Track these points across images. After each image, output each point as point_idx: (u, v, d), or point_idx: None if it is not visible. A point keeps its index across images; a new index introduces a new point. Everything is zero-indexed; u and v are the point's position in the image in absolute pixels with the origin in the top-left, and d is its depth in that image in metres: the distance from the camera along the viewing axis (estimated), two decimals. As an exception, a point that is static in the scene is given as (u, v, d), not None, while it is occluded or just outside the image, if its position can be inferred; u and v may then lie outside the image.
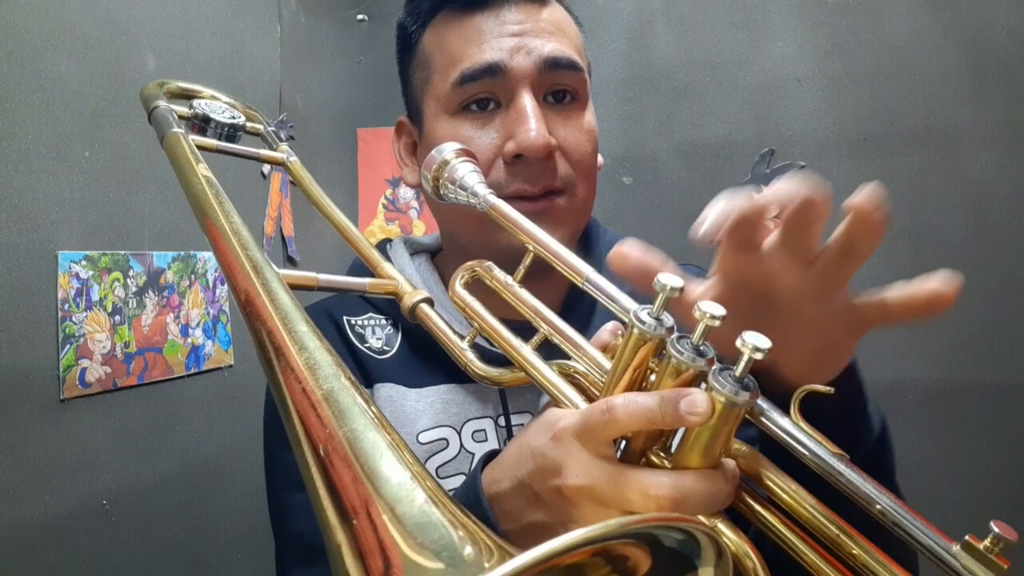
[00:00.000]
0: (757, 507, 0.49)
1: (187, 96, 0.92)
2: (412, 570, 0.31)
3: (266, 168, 2.29)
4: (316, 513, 0.37)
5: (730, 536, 0.46)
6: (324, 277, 0.64)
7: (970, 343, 2.22)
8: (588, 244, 0.94)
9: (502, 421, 0.83)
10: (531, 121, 0.78)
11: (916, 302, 0.51)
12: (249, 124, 0.91)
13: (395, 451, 0.38)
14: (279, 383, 0.44)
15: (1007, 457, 2.18)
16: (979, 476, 2.17)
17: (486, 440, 0.83)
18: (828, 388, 0.49)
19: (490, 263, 0.68)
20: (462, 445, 0.82)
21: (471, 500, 0.58)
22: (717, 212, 0.50)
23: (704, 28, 2.45)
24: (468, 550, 0.31)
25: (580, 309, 0.88)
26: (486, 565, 0.27)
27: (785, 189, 0.49)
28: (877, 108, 2.31)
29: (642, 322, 0.49)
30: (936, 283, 0.50)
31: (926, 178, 2.27)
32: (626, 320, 0.52)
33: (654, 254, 0.56)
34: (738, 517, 0.49)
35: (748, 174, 2.41)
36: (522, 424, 0.83)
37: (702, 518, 0.46)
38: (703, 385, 0.47)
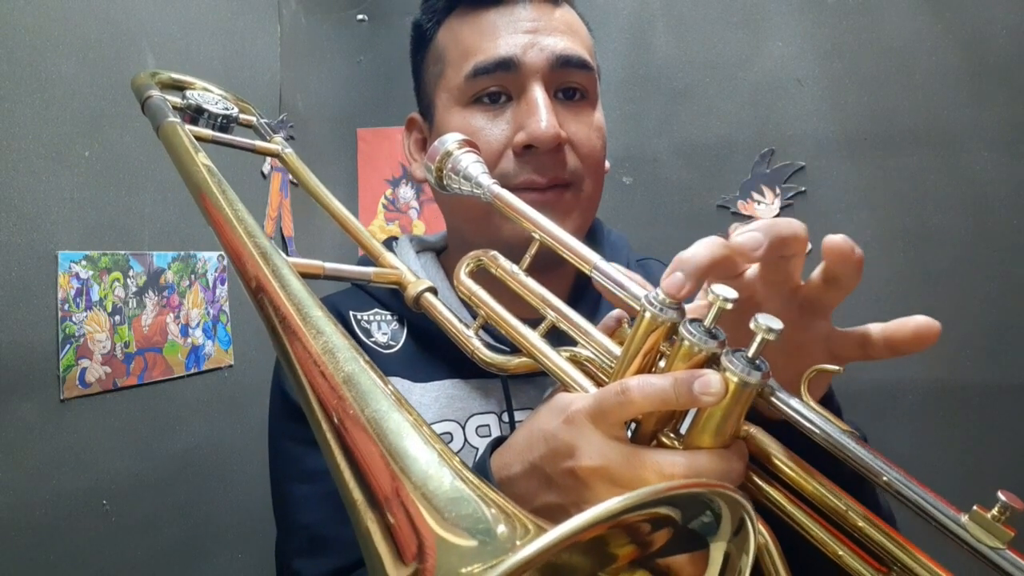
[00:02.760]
0: (763, 485, 0.50)
1: (179, 87, 0.91)
2: (445, 548, 0.31)
3: (266, 168, 2.29)
4: (343, 496, 0.37)
5: None
6: (330, 265, 0.64)
7: (970, 343, 2.22)
8: (593, 242, 0.94)
9: (506, 417, 0.83)
10: (542, 112, 0.79)
11: (897, 339, 0.52)
12: (242, 116, 0.90)
13: (419, 430, 0.38)
14: (296, 369, 0.44)
15: (1007, 457, 2.18)
16: (978, 476, 2.17)
17: (490, 435, 0.83)
18: (838, 368, 0.49)
19: (495, 252, 0.68)
20: (466, 440, 0.83)
21: None
22: (684, 262, 0.51)
23: (704, 28, 2.46)
24: (502, 527, 0.31)
25: (587, 300, 0.89)
26: (518, 542, 0.26)
27: (754, 235, 0.50)
28: (877, 108, 2.32)
29: (654, 306, 0.49)
30: (918, 321, 0.52)
31: (926, 178, 2.28)
32: (636, 306, 0.52)
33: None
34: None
35: (748, 174, 2.41)
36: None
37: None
38: (715, 367, 0.47)
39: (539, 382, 0.83)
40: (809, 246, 0.53)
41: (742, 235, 0.50)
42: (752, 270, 0.56)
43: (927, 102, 2.28)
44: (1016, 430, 2.18)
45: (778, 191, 2.38)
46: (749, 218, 2.40)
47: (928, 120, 2.28)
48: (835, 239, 0.50)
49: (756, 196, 2.40)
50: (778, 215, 2.38)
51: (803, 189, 2.36)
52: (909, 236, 2.28)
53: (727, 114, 2.44)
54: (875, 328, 0.53)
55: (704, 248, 0.51)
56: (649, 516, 0.34)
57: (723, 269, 0.54)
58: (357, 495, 0.36)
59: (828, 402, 0.62)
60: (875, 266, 2.23)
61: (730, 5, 2.44)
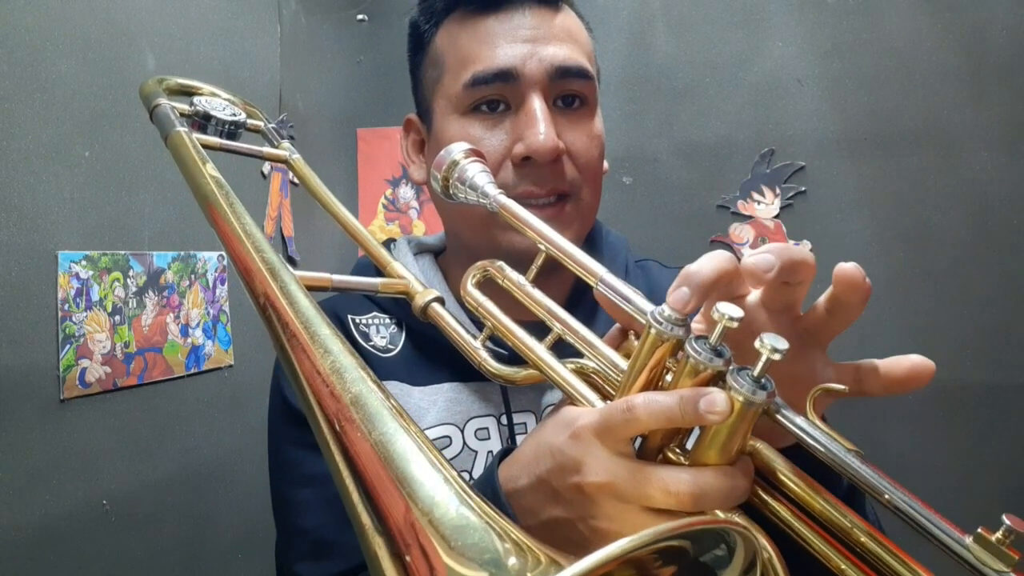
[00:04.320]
0: (769, 500, 0.50)
1: (186, 92, 0.91)
2: None
3: (266, 168, 2.29)
4: (351, 519, 0.37)
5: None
6: (337, 278, 0.64)
7: (970, 343, 2.22)
8: (591, 244, 0.94)
9: (504, 420, 0.84)
10: (540, 124, 0.78)
11: (893, 376, 0.52)
12: (250, 121, 0.89)
13: (426, 453, 0.38)
14: (304, 388, 0.44)
15: (1007, 457, 2.19)
16: (978, 476, 2.18)
17: (488, 438, 0.83)
18: (843, 387, 0.49)
19: (501, 263, 0.68)
20: (465, 443, 0.83)
21: (488, 496, 0.58)
22: (690, 277, 0.51)
23: (704, 28, 2.46)
24: (512, 559, 0.31)
25: (584, 305, 0.89)
26: (528, 575, 0.26)
27: (766, 257, 0.50)
28: (877, 108, 2.32)
29: (660, 323, 0.49)
30: (913, 360, 0.51)
31: (926, 178, 2.28)
32: (643, 321, 0.52)
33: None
34: (749, 509, 0.50)
35: (748, 174, 2.41)
36: (524, 423, 0.84)
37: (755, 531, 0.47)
38: (721, 385, 0.47)
39: (538, 385, 0.83)
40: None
41: (754, 256, 0.50)
42: (754, 295, 0.56)
43: (927, 102, 2.29)
44: (1016, 430, 2.19)
45: (778, 191, 2.38)
46: (749, 218, 2.41)
47: (928, 120, 2.28)
48: (847, 267, 0.50)
49: (756, 196, 2.40)
50: (778, 215, 2.38)
51: (803, 189, 2.37)
52: (909, 236, 2.28)
53: (727, 114, 2.44)
54: (870, 364, 0.53)
55: (711, 263, 0.51)
56: (662, 548, 0.34)
57: (729, 287, 0.53)
58: (365, 519, 0.36)
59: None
60: (875, 266, 2.23)
61: (730, 5, 2.44)
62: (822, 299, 0.53)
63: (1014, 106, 2.22)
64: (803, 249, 0.51)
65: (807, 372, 0.55)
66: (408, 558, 0.32)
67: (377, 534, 0.34)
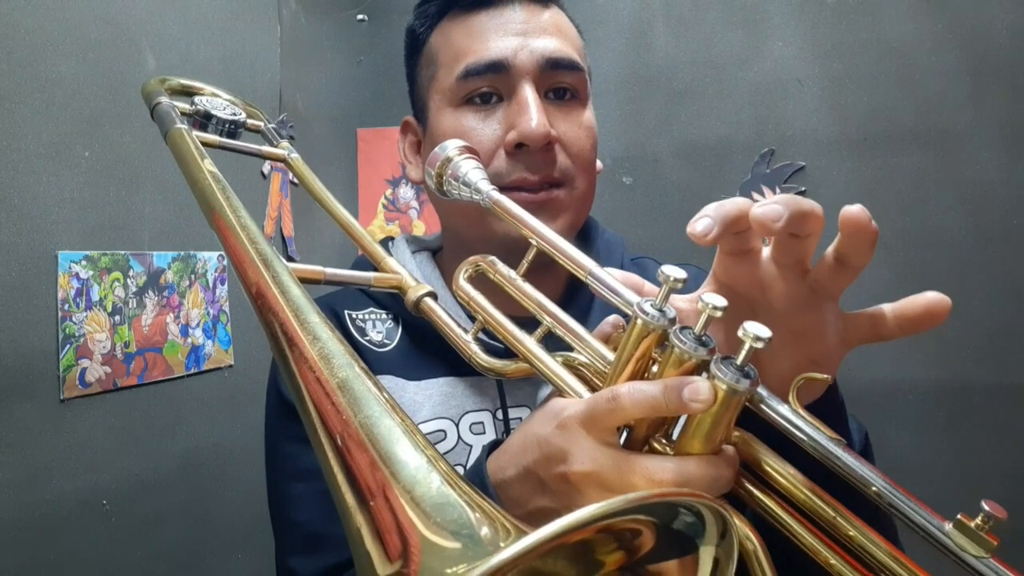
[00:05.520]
0: (755, 491, 0.51)
1: (188, 93, 0.93)
2: (430, 550, 0.32)
3: (266, 168, 2.29)
4: (334, 498, 0.38)
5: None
6: (330, 271, 0.65)
7: (970, 343, 2.22)
8: (586, 242, 0.95)
9: (500, 414, 0.84)
10: (532, 111, 0.80)
11: (909, 316, 0.52)
12: (250, 121, 0.91)
13: (410, 436, 0.39)
14: (293, 373, 0.45)
15: (1007, 457, 2.18)
16: (978, 476, 2.18)
17: (484, 432, 0.84)
18: (826, 376, 0.49)
19: (493, 258, 0.69)
20: (460, 437, 0.83)
21: (477, 487, 0.59)
22: (713, 209, 0.52)
23: (704, 28, 2.46)
24: (485, 530, 0.32)
25: (579, 301, 0.90)
26: (502, 544, 0.27)
27: (775, 207, 0.50)
28: (877, 108, 2.32)
29: (646, 313, 0.50)
30: (929, 298, 0.51)
31: (926, 178, 2.28)
32: (629, 312, 0.52)
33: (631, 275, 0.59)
34: (736, 501, 0.50)
35: (748, 174, 2.41)
36: (520, 417, 0.84)
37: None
38: (705, 374, 0.48)
39: (534, 380, 0.84)
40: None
41: (763, 207, 0.50)
42: (764, 251, 0.56)
43: (927, 102, 2.28)
44: (1016, 430, 2.18)
45: (778, 191, 2.38)
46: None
47: (928, 120, 2.28)
48: (853, 209, 0.49)
49: (756, 196, 2.40)
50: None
51: (803, 189, 2.36)
52: (909, 236, 2.28)
53: (727, 114, 2.44)
54: (886, 308, 0.53)
55: (733, 201, 0.52)
56: (632, 522, 0.35)
57: (745, 236, 0.54)
58: (348, 497, 0.37)
59: (832, 396, 0.62)
60: (875, 266, 2.21)
61: (730, 5, 2.44)
62: (830, 249, 0.53)
63: (1014, 106, 2.21)
64: (811, 201, 0.51)
65: (822, 324, 0.55)
66: (382, 523, 0.33)
67: (359, 511, 0.36)
